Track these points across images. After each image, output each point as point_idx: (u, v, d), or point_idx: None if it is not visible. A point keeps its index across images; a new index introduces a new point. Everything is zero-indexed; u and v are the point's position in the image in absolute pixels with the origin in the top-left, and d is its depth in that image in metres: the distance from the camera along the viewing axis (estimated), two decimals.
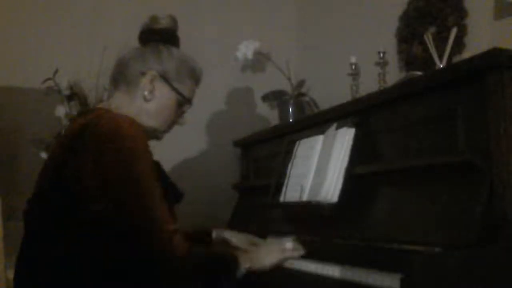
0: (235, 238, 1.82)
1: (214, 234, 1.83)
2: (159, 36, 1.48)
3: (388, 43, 2.07)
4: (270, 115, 2.63)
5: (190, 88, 1.51)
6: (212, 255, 1.36)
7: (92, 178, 1.22)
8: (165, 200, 1.29)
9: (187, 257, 1.25)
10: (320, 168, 1.67)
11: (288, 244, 1.49)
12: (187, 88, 1.49)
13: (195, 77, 1.52)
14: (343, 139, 1.62)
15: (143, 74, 1.43)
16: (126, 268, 1.23)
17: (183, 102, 1.49)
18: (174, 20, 1.53)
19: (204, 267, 1.30)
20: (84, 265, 1.23)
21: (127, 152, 1.24)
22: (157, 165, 1.40)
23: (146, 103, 1.43)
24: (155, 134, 1.48)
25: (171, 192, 1.45)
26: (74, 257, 1.23)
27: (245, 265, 1.36)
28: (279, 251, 1.46)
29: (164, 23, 1.50)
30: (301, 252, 1.49)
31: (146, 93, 1.42)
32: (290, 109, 2.33)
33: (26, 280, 1.30)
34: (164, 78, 1.44)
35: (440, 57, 1.69)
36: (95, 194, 1.22)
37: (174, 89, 1.45)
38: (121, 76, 1.46)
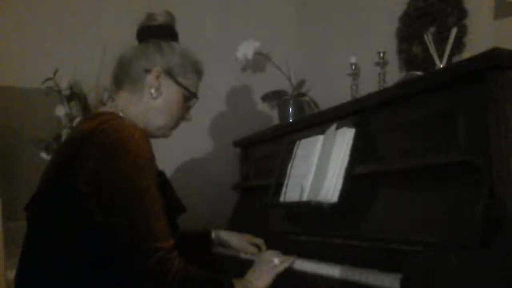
0: (234, 238, 1.82)
1: (213, 234, 1.82)
2: (157, 32, 1.47)
3: (388, 43, 2.07)
4: (270, 115, 2.63)
5: (194, 82, 1.50)
6: (207, 280, 1.31)
7: (91, 188, 1.21)
8: (167, 212, 1.27)
9: (182, 280, 1.21)
10: (320, 168, 1.67)
11: (276, 260, 1.48)
12: (192, 82, 1.48)
13: (198, 71, 1.51)
14: (343, 139, 1.62)
15: (147, 71, 1.42)
16: (121, 279, 1.22)
17: (189, 97, 1.48)
18: (171, 16, 1.51)
19: None
20: (82, 268, 1.22)
21: (128, 165, 1.22)
22: (162, 175, 1.39)
23: (153, 100, 1.42)
24: (163, 131, 1.47)
25: (174, 204, 1.43)
26: (72, 259, 1.23)
27: None
28: (269, 270, 1.45)
29: (161, 19, 1.49)
30: (292, 261, 1.49)
31: (152, 90, 1.41)
32: (290, 109, 2.33)
33: (27, 279, 1.30)
34: (169, 73, 1.43)
35: (440, 57, 1.69)
36: (93, 204, 1.21)
37: (179, 84, 1.44)
38: (124, 76, 1.44)
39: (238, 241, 1.81)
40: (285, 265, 1.47)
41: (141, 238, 1.20)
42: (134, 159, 1.23)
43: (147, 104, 1.42)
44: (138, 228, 1.20)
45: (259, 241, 1.80)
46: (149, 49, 1.44)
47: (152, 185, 1.25)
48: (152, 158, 1.29)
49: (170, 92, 1.44)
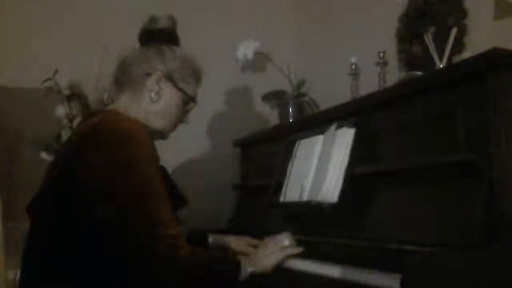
0: (232, 242, 1.81)
1: (211, 239, 1.82)
2: (159, 36, 1.48)
3: (388, 43, 2.07)
4: (270, 115, 2.63)
5: (194, 87, 1.52)
6: (215, 260, 1.34)
7: (96, 180, 1.22)
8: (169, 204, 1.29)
9: (190, 261, 1.24)
10: (320, 168, 1.67)
11: (286, 241, 1.49)
12: (191, 87, 1.51)
13: (198, 76, 1.53)
14: (343, 139, 1.62)
15: (148, 75, 1.43)
16: (129, 271, 1.23)
17: (188, 101, 1.50)
18: (173, 20, 1.53)
19: (207, 272, 1.30)
20: (87, 265, 1.23)
21: (132, 157, 1.24)
22: (162, 170, 1.40)
23: (152, 104, 1.44)
24: (162, 134, 1.49)
25: (176, 197, 1.44)
26: (75, 256, 1.24)
27: (247, 269, 1.36)
28: (278, 250, 1.46)
29: (163, 23, 1.50)
30: (300, 248, 1.49)
31: (152, 94, 1.43)
32: (290, 109, 2.33)
33: (31, 279, 1.31)
34: (170, 78, 1.45)
35: (440, 57, 1.69)
36: (99, 196, 1.22)
37: (179, 89, 1.46)
38: (125, 78, 1.45)
39: (236, 244, 1.81)
40: (294, 250, 1.48)
41: (149, 226, 1.22)
42: (137, 149, 1.25)
43: (147, 107, 1.44)
44: (145, 216, 1.22)
45: (258, 242, 1.80)
46: (150, 53, 1.46)
47: (156, 174, 1.27)
48: (154, 149, 1.31)
49: (170, 96, 1.46)
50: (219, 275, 1.32)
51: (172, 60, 1.46)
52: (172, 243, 1.22)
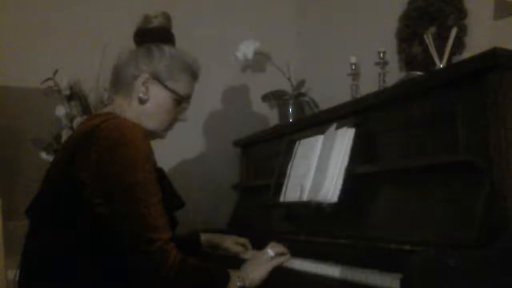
0: (223, 240, 1.83)
1: (202, 237, 1.83)
2: (152, 36, 1.47)
3: (388, 43, 2.07)
4: (270, 115, 2.63)
5: (187, 84, 1.49)
6: (204, 270, 1.33)
7: (94, 181, 1.24)
8: (165, 206, 1.29)
9: (179, 269, 1.24)
10: (320, 168, 1.67)
11: (270, 251, 1.49)
12: (183, 85, 1.47)
13: (191, 72, 1.50)
14: (343, 139, 1.62)
15: (135, 77, 1.43)
16: (121, 273, 1.24)
17: (180, 100, 1.49)
18: (167, 18, 1.51)
19: (196, 282, 1.29)
20: (86, 265, 1.24)
21: (127, 159, 1.24)
22: (160, 172, 1.40)
23: (142, 105, 1.44)
24: (157, 133, 1.49)
25: (173, 200, 1.45)
26: (76, 257, 1.25)
27: (237, 284, 1.35)
28: (265, 262, 1.46)
29: (156, 21, 1.49)
30: (288, 256, 1.50)
31: (140, 95, 1.43)
32: (290, 109, 2.33)
33: (30, 278, 1.31)
34: (157, 78, 1.44)
35: (440, 57, 1.69)
36: (96, 197, 1.23)
37: (168, 88, 1.45)
38: (117, 81, 1.47)
39: (227, 242, 1.83)
40: (281, 259, 1.48)
41: (139, 229, 1.22)
42: (133, 153, 1.25)
43: (137, 109, 1.44)
44: (137, 219, 1.22)
45: (244, 240, 1.83)
46: (139, 54, 1.45)
47: (150, 178, 1.27)
48: (150, 153, 1.31)
49: (159, 97, 1.45)
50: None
51: (159, 60, 1.44)
52: (161, 247, 1.22)
